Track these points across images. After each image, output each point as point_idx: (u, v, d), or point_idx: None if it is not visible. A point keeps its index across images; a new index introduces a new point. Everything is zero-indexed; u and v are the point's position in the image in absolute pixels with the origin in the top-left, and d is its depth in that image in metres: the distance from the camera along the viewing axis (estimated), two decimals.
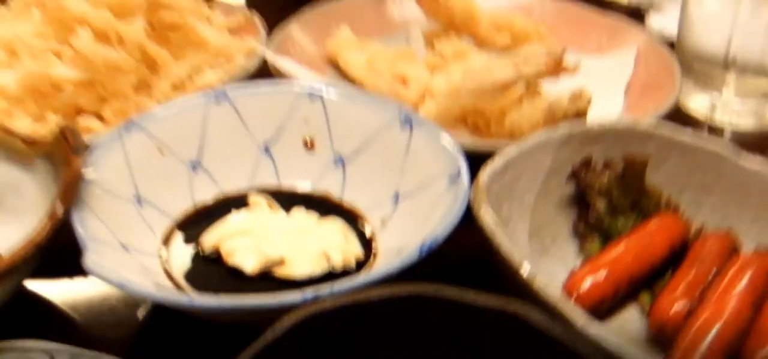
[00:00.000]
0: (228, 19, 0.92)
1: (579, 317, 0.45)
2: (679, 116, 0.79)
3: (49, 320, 0.59)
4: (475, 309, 0.44)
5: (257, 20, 0.90)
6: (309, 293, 0.47)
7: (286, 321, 0.42)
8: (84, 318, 0.59)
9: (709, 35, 0.83)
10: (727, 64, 0.82)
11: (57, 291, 0.61)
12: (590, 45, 0.91)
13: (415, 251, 0.51)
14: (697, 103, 0.85)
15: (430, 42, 0.88)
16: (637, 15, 1.00)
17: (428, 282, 0.44)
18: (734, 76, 0.82)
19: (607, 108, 0.76)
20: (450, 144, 0.61)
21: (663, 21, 0.98)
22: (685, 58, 0.85)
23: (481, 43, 0.87)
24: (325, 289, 0.48)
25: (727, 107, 0.83)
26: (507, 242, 0.50)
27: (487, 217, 0.52)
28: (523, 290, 0.48)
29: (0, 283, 0.52)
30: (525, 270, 0.48)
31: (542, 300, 0.47)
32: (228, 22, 0.91)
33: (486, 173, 0.56)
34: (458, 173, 0.58)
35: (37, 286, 0.61)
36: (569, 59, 0.69)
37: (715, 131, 0.83)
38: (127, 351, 0.56)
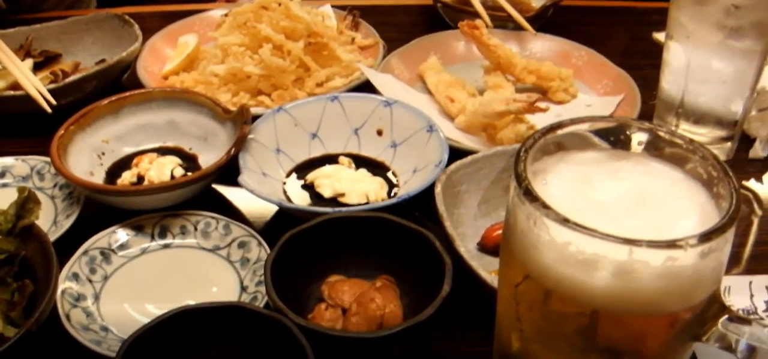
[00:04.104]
0: (365, 40, 1.41)
1: (459, 244, 0.90)
2: None
3: (221, 204, 1.08)
4: (403, 227, 0.90)
5: (381, 45, 1.38)
6: (334, 210, 0.95)
7: (318, 219, 0.91)
8: (238, 206, 1.08)
9: (671, 85, 1.14)
10: (678, 112, 1.15)
11: (226, 191, 1.10)
12: (598, 87, 1.31)
13: (396, 200, 0.98)
14: None
15: (486, 72, 1.33)
16: None
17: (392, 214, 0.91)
18: (683, 122, 1.16)
19: None
20: (444, 144, 1.06)
21: None
22: (659, 105, 1.22)
23: (517, 80, 1.31)
24: (343, 210, 0.96)
25: None
26: (441, 203, 0.95)
27: (437, 188, 0.97)
28: (443, 227, 0.93)
29: (200, 182, 1.04)
30: (443, 213, 0.93)
31: (448, 233, 0.92)
32: (364, 42, 1.40)
33: (454, 164, 1.01)
34: (441, 161, 1.03)
35: (218, 187, 1.12)
36: (542, 104, 1.11)
37: None
38: (260, 228, 1.04)
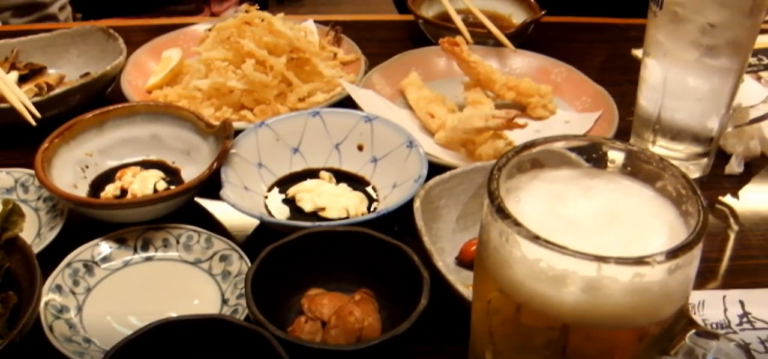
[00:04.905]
0: (348, 55, 1.43)
1: (437, 259, 0.91)
2: None
3: (203, 217, 1.10)
4: (382, 242, 0.91)
5: (363, 61, 1.40)
6: (314, 224, 0.97)
7: (298, 234, 0.92)
8: (220, 220, 1.10)
9: (648, 102, 1.16)
10: (655, 128, 1.17)
11: (209, 204, 1.11)
12: (577, 103, 1.34)
13: (375, 215, 0.99)
14: None
15: (466, 89, 1.34)
16: None
17: (368, 228, 0.93)
18: (660, 138, 1.18)
19: None
20: (424, 159, 1.07)
21: None
22: (637, 121, 1.24)
23: (496, 96, 1.33)
24: (323, 224, 0.98)
25: None
26: (420, 218, 0.96)
27: (416, 203, 0.98)
28: (422, 242, 0.94)
29: (183, 196, 1.05)
30: (421, 228, 0.95)
31: (426, 248, 0.93)
32: (346, 58, 1.42)
33: (433, 180, 1.03)
34: (420, 176, 1.05)
35: (200, 200, 1.13)
36: (520, 120, 1.13)
37: None
38: (242, 242, 1.06)
